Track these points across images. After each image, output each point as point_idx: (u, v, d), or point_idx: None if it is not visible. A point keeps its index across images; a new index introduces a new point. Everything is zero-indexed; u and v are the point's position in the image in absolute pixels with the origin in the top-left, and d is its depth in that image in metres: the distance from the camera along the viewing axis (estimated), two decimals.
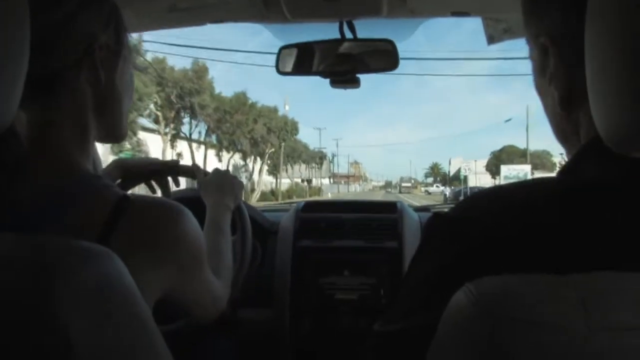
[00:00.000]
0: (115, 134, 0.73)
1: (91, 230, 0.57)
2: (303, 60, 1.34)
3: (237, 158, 28.80)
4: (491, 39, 1.34)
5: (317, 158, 53.70)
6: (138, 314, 0.49)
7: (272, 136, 28.56)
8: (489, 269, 0.46)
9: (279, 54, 1.33)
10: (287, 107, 35.27)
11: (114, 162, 1.12)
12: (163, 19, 1.29)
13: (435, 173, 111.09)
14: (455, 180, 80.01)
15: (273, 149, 31.00)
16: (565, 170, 0.56)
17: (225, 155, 26.30)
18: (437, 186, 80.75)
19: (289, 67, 1.35)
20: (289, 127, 31.32)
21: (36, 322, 0.39)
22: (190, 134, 22.79)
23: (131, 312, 0.48)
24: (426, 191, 76.19)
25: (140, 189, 1.19)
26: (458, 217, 0.56)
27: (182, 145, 21.98)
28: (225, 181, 1.09)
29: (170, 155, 18.80)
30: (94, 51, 0.65)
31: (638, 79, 0.42)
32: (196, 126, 22.74)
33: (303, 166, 48.43)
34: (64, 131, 0.63)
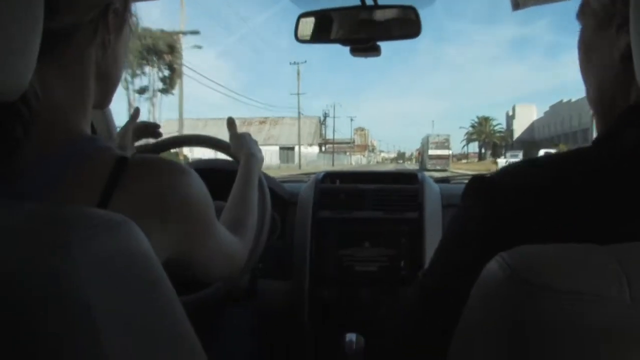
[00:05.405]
0: (104, 102, 0.71)
1: (92, 193, 0.56)
2: (322, 27, 1.31)
3: None
4: (516, 5, 1.29)
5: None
6: (157, 283, 0.48)
7: None
8: (528, 237, 0.45)
9: (297, 22, 1.30)
10: None
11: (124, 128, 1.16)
12: None
13: (487, 134, 63.98)
14: (533, 144, 49.75)
15: None
16: (604, 136, 0.53)
17: None
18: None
19: (307, 35, 1.32)
20: None
21: (55, 293, 0.39)
22: None
23: (150, 281, 0.47)
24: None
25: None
26: (501, 183, 0.55)
27: None
28: (254, 140, 1.18)
29: None
30: (108, 15, 0.63)
31: None
32: None
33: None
34: (65, 93, 0.61)
